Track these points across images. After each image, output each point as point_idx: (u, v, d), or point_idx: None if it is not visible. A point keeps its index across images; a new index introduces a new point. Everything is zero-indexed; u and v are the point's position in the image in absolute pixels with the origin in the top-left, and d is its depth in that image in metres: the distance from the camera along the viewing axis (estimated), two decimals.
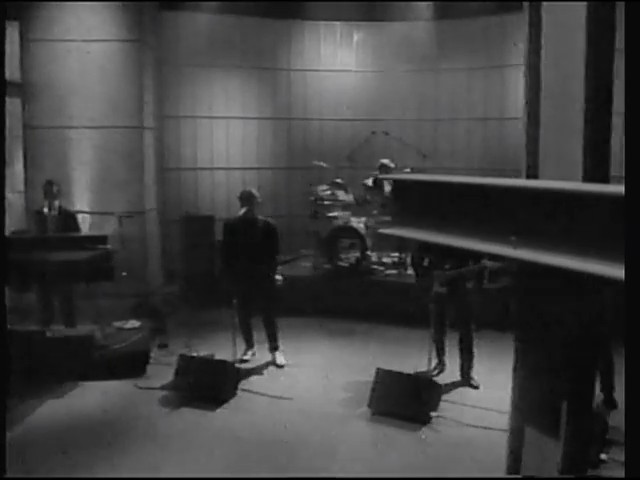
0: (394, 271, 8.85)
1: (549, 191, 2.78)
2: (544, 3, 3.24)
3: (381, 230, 3.75)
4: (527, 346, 3.69)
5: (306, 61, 10.64)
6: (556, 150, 3.21)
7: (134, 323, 7.16)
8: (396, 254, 9.13)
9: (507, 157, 9.95)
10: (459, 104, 10.53)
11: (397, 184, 3.54)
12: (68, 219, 7.14)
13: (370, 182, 9.16)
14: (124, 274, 7.08)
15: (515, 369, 3.88)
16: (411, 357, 6.46)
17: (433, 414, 5.27)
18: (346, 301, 8.50)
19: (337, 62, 10.75)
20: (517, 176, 3.52)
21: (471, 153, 10.49)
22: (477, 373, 6.22)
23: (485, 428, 5.16)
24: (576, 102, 3.08)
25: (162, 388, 5.99)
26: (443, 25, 10.44)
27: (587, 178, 3.05)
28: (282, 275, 6.75)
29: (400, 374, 5.57)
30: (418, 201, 3.21)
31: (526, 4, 3.37)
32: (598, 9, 2.98)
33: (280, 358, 6.78)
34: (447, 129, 10.66)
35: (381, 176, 8.48)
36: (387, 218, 8.84)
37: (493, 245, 2.83)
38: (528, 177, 3.29)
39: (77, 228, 7.22)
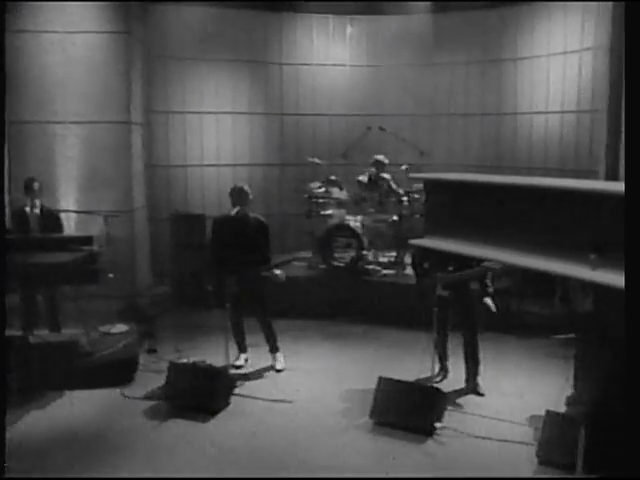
0: (391, 271, 8.59)
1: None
2: None
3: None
4: None
5: (298, 55, 10.38)
6: None
7: (121, 327, 6.86)
8: (393, 253, 8.88)
9: (504, 153, 9.78)
10: (455, 99, 10.31)
11: (429, 185, 3.10)
12: (51, 218, 6.83)
13: (365, 179, 8.93)
14: (110, 276, 6.79)
15: None
16: (412, 362, 6.20)
17: (438, 425, 5.00)
18: (342, 302, 8.23)
19: (330, 56, 10.51)
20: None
21: (468, 149, 10.25)
22: (481, 379, 5.96)
23: (494, 440, 4.90)
24: None
25: (150, 397, 5.70)
26: (439, 18, 10.20)
27: None
28: (282, 270, 6.46)
29: (403, 383, 5.31)
30: (454, 206, 2.81)
31: None
32: None
33: (280, 361, 6.53)
34: (443, 125, 10.43)
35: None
36: (385, 216, 8.73)
37: (561, 263, 2.31)
38: (607, 178, 2.93)
39: (60, 228, 6.92)
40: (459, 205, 2.73)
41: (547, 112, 9.22)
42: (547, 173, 8.98)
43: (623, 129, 7.51)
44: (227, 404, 5.54)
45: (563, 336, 7.09)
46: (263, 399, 5.70)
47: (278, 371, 6.44)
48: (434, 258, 5.82)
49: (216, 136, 10.00)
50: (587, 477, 4.35)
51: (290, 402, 5.63)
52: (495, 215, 2.57)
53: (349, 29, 10.49)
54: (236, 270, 6.25)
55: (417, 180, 8.84)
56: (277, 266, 6.61)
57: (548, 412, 4.69)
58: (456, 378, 6.06)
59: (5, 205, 6.39)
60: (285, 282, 6.49)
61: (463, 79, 10.20)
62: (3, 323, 5.01)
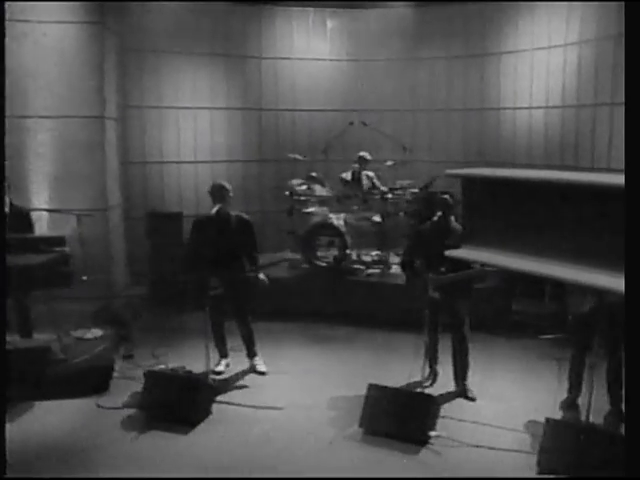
0: (376, 270, 8.36)
1: None
2: None
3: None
4: None
5: (278, 49, 10.15)
6: None
7: (96, 332, 6.54)
8: (377, 252, 8.66)
9: (488, 149, 9.65)
10: (438, 94, 10.13)
11: (466, 184, 2.66)
12: (20, 218, 6.48)
13: (348, 176, 8.73)
14: (84, 278, 6.48)
15: None
16: (400, 365, 5.98)
17: (432, 433, 4.78)
18: (326, 303, 7.99)
19: (310, 50, 10.30)
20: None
21: (451, 145, 10.09)
22: (471, 382, 5.76)
23: (491, 448, 4.70)
24: None
25: (127, 407, 5.40)
26: (421, 12, 10.02)
27: None
28: (266, 276, 6.20)
29: (394, 389, 5.07)
30: (500, 209, 2.41)
31: None
32: None
33: (261, 364, 6.28)
34: (425, 120, 10.23)
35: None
36: (368, 214, 8.52)
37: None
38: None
39: (30, 228, 6.59)
40: (507, 207, 2.40)
41: (531, 107, 9.08)
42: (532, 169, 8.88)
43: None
44: (208, 414, 5.26)
45: (552, 336, 6.95)
46: (246, 405, 5.45)
47: (261, 373, 6.20)
48: (424, 258, 5.61)
49: (193, 132, 9.76)
50: (585, 477, 4.18)
51: (281, 408, 5.39)
52: (555, 219, 2.21)
53: (329, 23, 10.25)
54: (217, 271, 5.98)
55: (402, 176, 8.70)
56: (262, 268, 6.33)
57: (548, 420, 4.49)
58: (445, 381, 5.85)
59: (5, 204, 6.07)
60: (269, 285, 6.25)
61: (445, 74, 10.04)
62: (3, 324, 4.81)
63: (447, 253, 3.28)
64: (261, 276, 6.13)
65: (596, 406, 4.63)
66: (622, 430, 4.90)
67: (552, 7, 8.61)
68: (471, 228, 2.39)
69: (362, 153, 8.83)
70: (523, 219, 2.29)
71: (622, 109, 7.49)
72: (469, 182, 2.73)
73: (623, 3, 7.28)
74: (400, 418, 4.85)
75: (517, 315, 7.65)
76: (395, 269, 8.33)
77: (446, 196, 5.59)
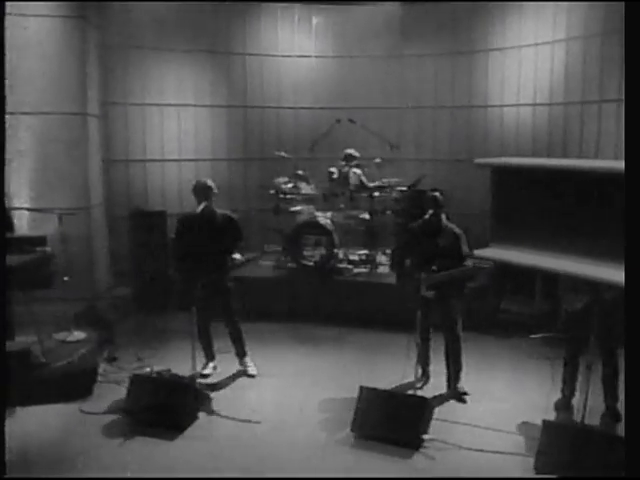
0: (364, 270, 8.25)
1: None
2: None
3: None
4: None
5: (263, 45, 10.00)
6: None
7: (78, 335, 6.34)
8: (364, 251, 8.56)
9: (475, 146, 9.55)
10: (425, 91, 10.02)
11: (497, 175, 2.38)
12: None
13: (335, 173, 8.62)
14: (66, 279, 6.32)
15: None
16: (391, 366, 5.89)
17: (425, 437, 4.67)
18: (313, 304, 7.88)
19: (295, 47, 10.15)
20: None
21: (438, 142, 10.00)
22: (464, 383, 5.68)
23: (486, 451, 4.61)
24: None
25: (111, 412, 5.25)
26: (408, 9, 9.91)
27: None
28: (242, 255, 6.04)
29: (387, 392, 4.97)
30: (535, 203, 2.19)
31: None
32: None
33: (251, 367, 6.17)
34: (412, 118, 10.13)
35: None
36: (356, 212, 8.41)
37: None
38: None
39: (10, 227, 6.45)
40: (543, 201, 2.23)
41: (519, 104, 9.02)
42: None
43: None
44: (194, 419, 5.12)
45: (543, 335, 6.90)
46: (233, 418, 5.28)
47: (250, 376, 6.08)
48: (416, 257, 5.51)
49: (177, 129, 9.59)
50: (583, 477, 4.13)
51: (260, 423, 5.20)
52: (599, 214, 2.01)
53: (315, 19, 10.13)
54: (203, 270, 5.84)
55: (389, 174, 8.61)
56: (243, 263, 6.19)
57: (545, 422, 4.41)
58: (437, 383, 5.76)
59: (5, 205, 5.91)
60: (252, 282, 6.11)
61: (433, 71, 9.93)
62: (3, 325, 4.72)
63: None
64: (236, 256, 5.96)
65: (590, 406, 4.56)
66: (618, 431, 4.85)
67: (540, 4, 8.55)
68: (500, 225, 2.24)
69: (349, 150, 8.73)
70: (555, 213, 2.13)
71: (610, 106, 7.47)
72: (499, 172, 2.56)
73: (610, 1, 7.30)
74: (393, 421, 4.74)
75: (506, 314, 7.58)
76: (383, 268, 8.25)
77: (437, 193, 5.48)
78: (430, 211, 5.50)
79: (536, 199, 2.17)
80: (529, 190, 2.20)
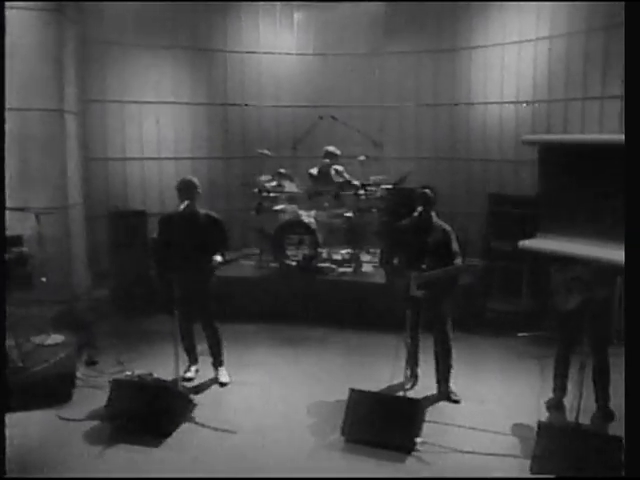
0: (348, 269, 8.15)
1: None
2: None
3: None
4: None
5: (244, 42, 9.87)
6: None
7: (57, 338, 6.16)
8: (347, 250, 8.46)
9: (458, 144, 9.53)
10: (407, 89, 9.95)
11: (545, 155, 2.15)
12: None
13: (315, 171, 8.49)
14: (43, 280, 6.15)
15: None
16: (379, 368, 5.81)
17: (418, 440, 4.57)
18: (297, 304, 7.75)
19: (277, 44, 10.04)
20: None
21: (420, 140, 9.93)
22: (454, 383, 5.60)
23: (480, 454, 4.53)
24: None
25: (91, 419, 5.08)
26: (390, 6, 9.84)
27: None
28: (222, 256, 5.82)
29: (378, 394, 4.86)
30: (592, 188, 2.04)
31: None
32: None
33: (224, 375, 5.99)
34: (395, 116, 10.06)
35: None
36: (340, 211, 8.31)
37: None
38: None
39: None
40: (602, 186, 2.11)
41: (502, 102, 8.98)
42: (503, 165, 8.85)
43: None
44: (179, 424, 4.97)
45: (530, 334, 6.87)
46: (217, 423, 5.16)
47: (222, 384, 5.90)
48: (405, 254, 5.41)
49: (157, 127, 9.41)
50: (581, 477, 4.09)
51: (246, 427, 5.07)
52: None
53: (296, 16, 10.03)
54: (184, 272, 5.68)
55: (375, 172, 8.52)
56: (224, 264, 5.99)
57: (540, 423, 4.32)
58: (426, 383, 5.67)
59: (5, 204, 5.71)
60: (233, 282, 5.95)
61: (415, 68, 9.86)
62: (3, 324, 4.62)
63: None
64: (217, 257, 5.77)
65: (582, 405, 4.49)
66: (609, 430, 4.80)
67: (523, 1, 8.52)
68: (550, 213, 2.12)
69: (330, 148, 8.58)
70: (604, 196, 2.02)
71: (593, 103, 7.44)
72: (549, 151, 2.43)
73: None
74: (384, 424, 4.64)
75: (493, 313, 7.52)
76: (367, 267, 8.16)
77: (427, 190, 5.38)
78: (420, 208, 5.40)
79: (587, 181, 2.05)
80: (578, 171, 2.07)
